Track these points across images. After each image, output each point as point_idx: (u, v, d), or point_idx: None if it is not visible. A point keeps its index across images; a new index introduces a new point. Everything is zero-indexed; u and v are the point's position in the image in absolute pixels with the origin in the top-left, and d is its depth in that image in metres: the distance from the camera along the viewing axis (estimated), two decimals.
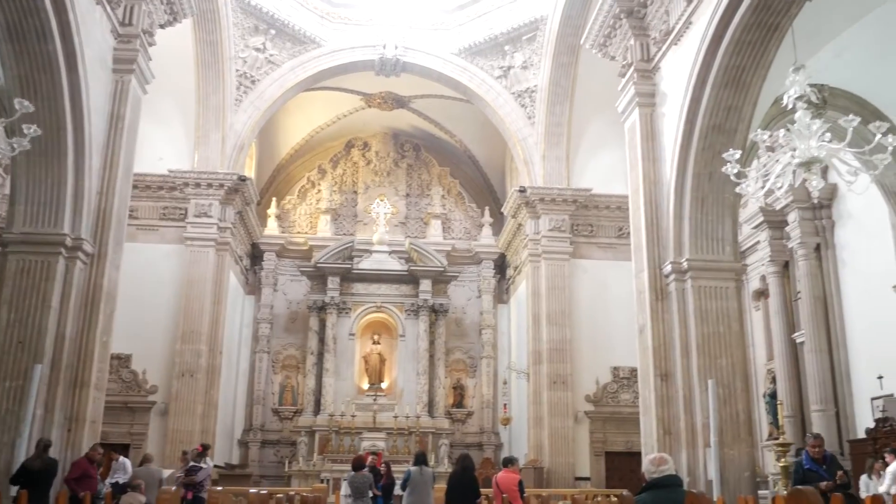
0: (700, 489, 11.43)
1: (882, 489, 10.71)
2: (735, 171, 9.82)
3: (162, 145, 20.56)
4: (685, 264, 12.11)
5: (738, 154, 9.83)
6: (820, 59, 11.81)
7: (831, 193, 15.11)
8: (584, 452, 19.90)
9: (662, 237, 12.69)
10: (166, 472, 14.70)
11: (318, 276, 24.07)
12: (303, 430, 22.74)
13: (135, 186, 16.93)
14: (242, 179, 20.91)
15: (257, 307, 25.00)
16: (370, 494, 11.30)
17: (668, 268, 12.35)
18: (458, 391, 24.95)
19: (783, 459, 11.50)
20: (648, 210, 12.87)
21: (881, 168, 9.41)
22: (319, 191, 26.24)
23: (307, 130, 25.73)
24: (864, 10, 11.38)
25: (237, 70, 20.93)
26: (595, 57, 18.21)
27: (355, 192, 26.49)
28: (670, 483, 4.59)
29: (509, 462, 10.69)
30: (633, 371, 19.48)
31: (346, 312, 24.08)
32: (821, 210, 15.39)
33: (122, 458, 13.21)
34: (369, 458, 13.07)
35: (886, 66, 12.46)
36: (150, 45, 13.64)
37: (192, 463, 12.04)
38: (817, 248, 15.47)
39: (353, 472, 11.25)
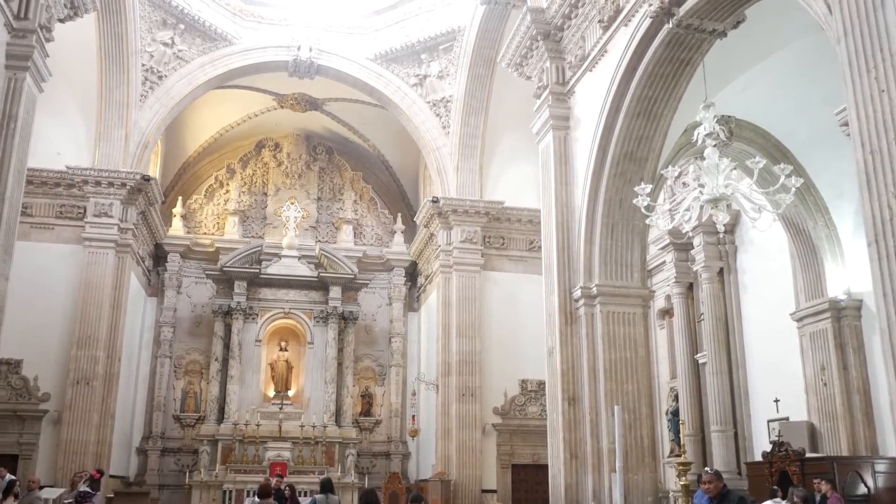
0: None
1: None
2: (646, 203, 9.94)
3: (60, 140, 19.63)
4: (595, 289, 12.23)
5: (649, 188, 9.95)
6: (727, 93, 12.06)
7: (735, 220, 15.51)
8: (492, 465, 19.95)
9: (573, 261, 12.78)
10: (55, 493, 13.98)
11: (225, 280, 23.38)
12: (205, 438, 22.05)
13: (29, 182, 16.10)
14: (146, 179, 20.13)
15: (160, 310, 24.12)
16: None
17: (577, 292, 12.44)
18: (367, 399, 24.67)
19: (684, 478, 11.68)
20: (560, 233, 12.94)
21: (784, 207, 9.68)
22: (228, 191, 25.52)
23: (216, 128, 24.97)
24: (769, 50, 11.67)
25: (143, 65, 20.13)
26: (510, 73, 18.33)
27: (265, 194, 25.87)
28: None
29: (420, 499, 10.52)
30: (542, 384, 19.66)
31: (253, 318, 23.48)
32: (724, 235, 15.78)
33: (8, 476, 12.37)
34: (274, 482, 12.70)
35: (787, 102, 12.83)
36: (48, 40, 12.84)
37: (82, 488, 11.43)
38: (720, 271, 15.87)
39: (257, 501, 10.88)
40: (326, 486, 11.12)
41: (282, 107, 24.34)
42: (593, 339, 12.27)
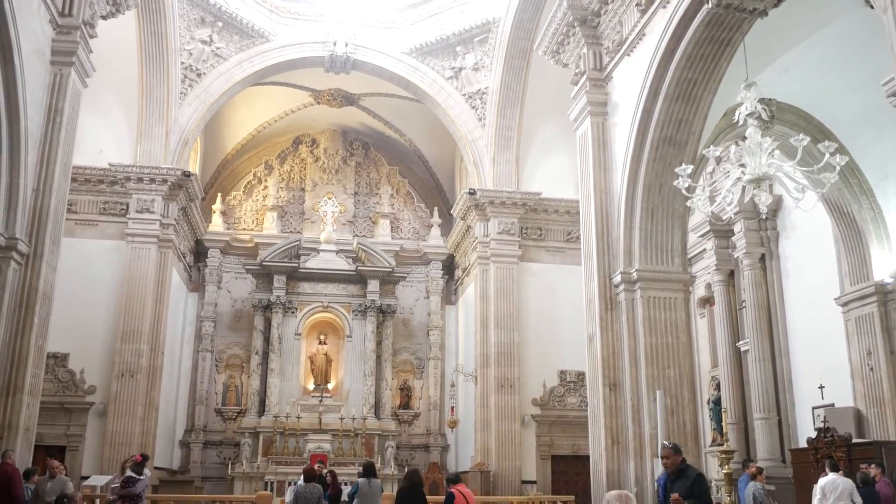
0: (647, 500, 11.54)
1: None
2: (686, 185, 9.86)
3: (103, 137, 19.96)
4: (635, 275, 12.16)
5: (689, 169, 9.87)
6: (768, 74, 11.92)
7: (776, 205, 15.35)
8: (531, 456, 19.92)
9: (612, 247, 12.72)
10: (102, 480, 14.25)
11: (264, 275, 23.65)
12: (246, 431, 22.32)
13: (74, 180, 16.40)
14: (187, 175, 20.41)
15: (201, 305, 24.47)
16: None
17: (617, 278, 12.38)
18: (405, 392, 24.79)
19: (727, 466, 11.57)
20: (599, 219, 12.89)
21: (828, 186, 9.54)
22: (266, 187, 25.78)
23: (254, 125, 25.24)
24: (811, 29, 11.54)
25: (182, 63, 20.41)
26: (546, 62, 18.21)
27: (303, 190, 26.10)
28: None
29: (459, 479, 10.60)
30: (580, 375, 19.67)
31: (292, 312, 23.71)
32: (766, 221, 15.62)
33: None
34: (317, 466, 12.83)
35: (830, 82, 12.67)
36: (91, 36, 13.12)
37: (129, 473, 11.64)
38: (762, 258, 15.70)
39: (302, 483, 11.01)
40: (369, 470, 11.21)
41: (318, 103, 24.52)
42: (634, 325, 12.20)
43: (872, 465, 10.69)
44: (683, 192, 10.02)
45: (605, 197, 12.96)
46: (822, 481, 10.59)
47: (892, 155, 12.73)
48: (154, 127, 20.24)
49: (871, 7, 11.20)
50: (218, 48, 20.95)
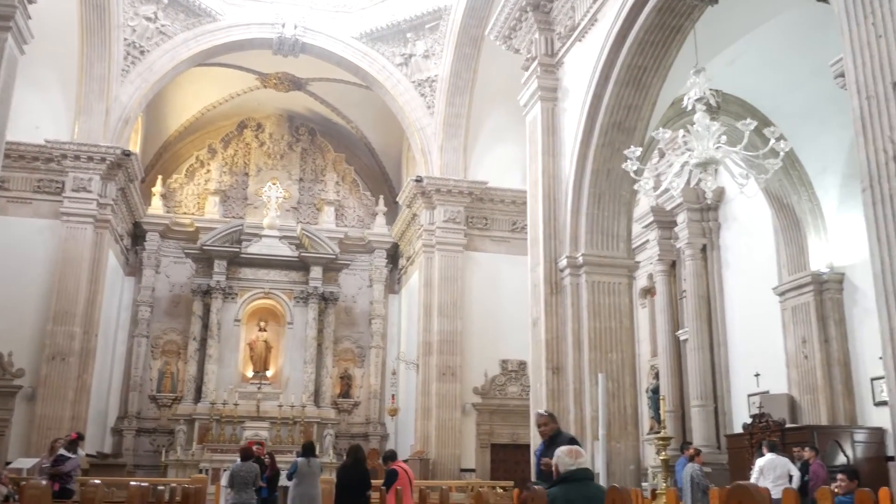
0: None
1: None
2: (635, 168, 9.94)
3: (39, 113, 19.34)
4: (581, 259, 12.22)
5: (638, 151, 9.94)
6: (715, 65, 12.06)
7: (719, 197, 15.63)
8: (471, 444, 19.95)
9: (559, 231, 12.77)
10: (29, 463, 13.77)
11: (204, 259, 23.21)
12: (182, 418, 21.87)
13: (7, 156, 15.89)
14: (126, 154, 19.89)
15: (137, 289, 23.87)
16: (255, 486, 10.85)
17: (563, 262, 12.43)
18: (346, 381, 24.60)
19: (664, 453, 11.74)
20: (547, 204, 12.92)
21: (772, 172, 9.72)
22: (209, 171, 25.30)
23: (198, 107, 24.74)
24: (758, 21, 11.73)
25: (125, 39, 19.89)
26: (496, 51, 18.23)
27: (246, 175, 25.69)
28: (583, 477, 4.49)
29: (396, 455, 10.54)
30: (522, 364, 19.80)
31: (233, 298, 23.31)
32: (708, 212, 15.89)
33: None
34: (255, 448, 12.60)
35: (774, 75, 12.93)
36: (31, 1, 12.67)
37: (60, 452, 11.27)
38: (703, 248, 15.97)
39: (238, 462, 10.80)
40: (308, 450, 11.06)
41: (265, 86, 24.16)
42: (578, 309, 12.26)
43: (807, 448, 10.93)
44: (632, 174, 10.11)
45: (554, 182, 13.00)
46: (760, 461, 10.81)
47: (831, 148, 13.05)
48: (93, 104, 19.68)
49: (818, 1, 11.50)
50: (163, 25, 20.47)
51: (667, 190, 10.60)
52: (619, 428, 11.84)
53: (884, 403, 12.22)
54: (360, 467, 9.80)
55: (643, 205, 16.65)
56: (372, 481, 10.23)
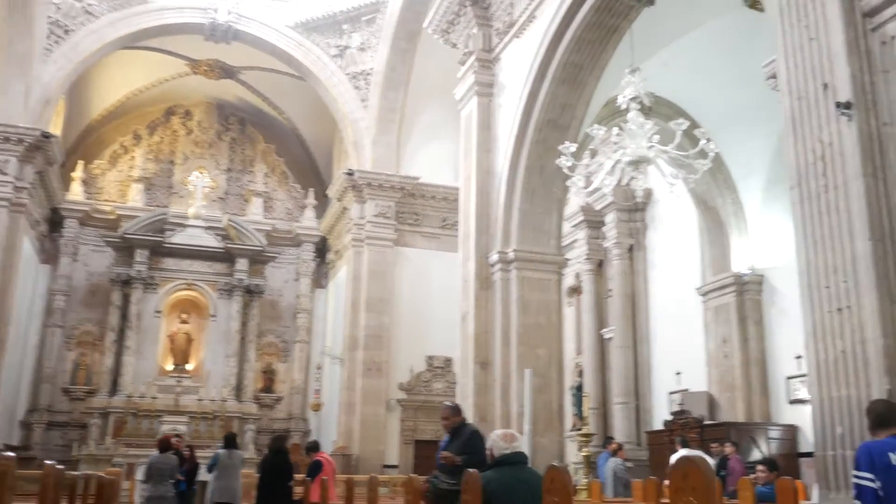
0: None
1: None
2: (569, 163, 10.04)
3: None
4: (511, 254, 12.31)
5: (573, 147, 10.06)
6: (649, 66, 12.30)
7: (647, 198, 15.93)
8: (395, 440, 19.85)
9: (491, 226, 12.85)
10: None
11: (125, 248, 22.49)
12: (96, 411, 21.11)
13: None
14: (46, 136, 19.10)
15: (53, 277, 22.92)
16: (173, 479, 10.51)
17: (494, 257, 12.51)
18: (269, 376, 24.16)
19: (585, 449, 11.90)
20: (479, 199, 12.98)
21: (701, 173, 9.95)
22: (133, 157, 24.51)
23: (124, 91, 23.94)
24: (691, 25, 12.02)
25: (49, 17, 19.11)
26: (433, 47, 18.23)
27: (172, 163, 24.98)
28: (518, 461, 4.47)
29: (318, 446, 10.41)
30: (448, 360, 19.82)
31: (154, 288, 22.66)
32: (636, 213, 16.20)
33: None
34: (173, 440, 12.24)
35: (704, 79, 13.27)
36: None
37: None
38: (630, 248, 16.28)
39: (156, 454, 10.47)
40: (230, 441, 10.83)
41: (195, 73, 23.56)
42: (508, 304, 12.35)
43: (727, 444, 11.22)
44: (566, 170, 10.22)
45: (487, 177, 13.07)
46: (675, 457, 11.02)
47: (756, 153, 13.45)
48: (12, 83, 18.84)
49: (750, 7, 11.82)
50: (89, 4, 19.76)
51: (597, 189, 10.75)
52: (544, 423, 11.95)
53: (797, 401, 12.67)
54: (282, 457, 9.62)
55: (573, 204, 16.87)
56: (295, 475, 10.06)
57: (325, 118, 22.70)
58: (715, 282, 14.11)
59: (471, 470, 4.42)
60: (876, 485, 3.70)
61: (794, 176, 6.48)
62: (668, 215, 15.61)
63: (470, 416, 12.28)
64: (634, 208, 16.02)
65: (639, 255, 16.12)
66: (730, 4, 11.78)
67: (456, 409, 7.25)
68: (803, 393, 12.50)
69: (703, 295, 14.39)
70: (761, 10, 12.17)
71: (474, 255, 12.81)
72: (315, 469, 9.55)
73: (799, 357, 12.40)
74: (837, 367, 5.67)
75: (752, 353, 13.39)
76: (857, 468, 3.83)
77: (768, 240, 13.56)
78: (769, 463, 7.02)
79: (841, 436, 5.50)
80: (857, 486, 3.81)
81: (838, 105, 6.02)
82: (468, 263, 12.99)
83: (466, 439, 6.86)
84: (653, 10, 10.99)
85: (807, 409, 12.38)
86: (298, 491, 9.59)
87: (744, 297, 13.66)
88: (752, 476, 7.40)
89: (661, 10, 10.96)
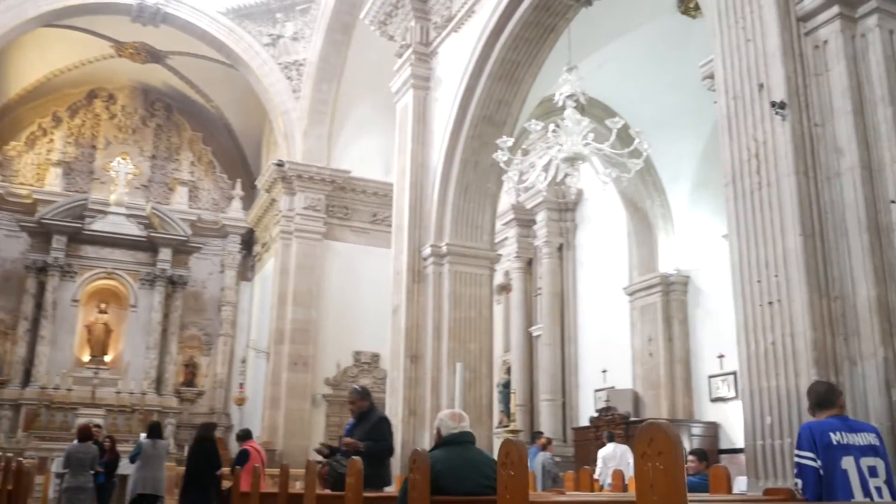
0: None
1: (596, 475, 11.37)
2: (505, 157, 10.09)
3: None
4: (444, 248, 12.30)
5: (511, 141, 10.11)
6: (583, 67, 12.48)
7: (577, 197, 16.14)
8: (320, 435, 19.59)
9: (424, 220, 12.80)
10: None
11: (42, 234, 21.67)
12: (6, 403, 20.34)
13: None
14: None
15: None
16: (93, 470, 10.14)
17: (427, 251, 12.47)
18: (190, 369, 23.59)
19: None
20: (413, 192, 12.92)
21: (634, 171, 10.13)
22: (52, 140, 23.60)
23: (44, 71, 23.02)
24: (625, 29, 12.23)
25: None
26: (367, 41, 18.10)
27: (94, 147, 24.16)
28: (465, 440, 4.45)
29: (250, 435, 10.24)
30: (376, 356, 19.74)
31: (71, 276, 21.89)
32: (566, 212, 16.39)
33: None
34: (94, 431, 11.82)
35: (636, 83, 13.51)
36: None
37: None
38: (560, 247, 16.47)
39: (75, 443, 10.09)
40: (154, 431, 10.51)
41: (120, 55, 22.83)
42: (440, 298, 12.32)
43: None
44: (502, 164, 10.27)
45: (421, 171, 13.01)
46: (602, 451, 11.23)
47: (684, 157, 13.78)
48: None
49: (682, 14, 12.09)
50: None
51: (531, 186, 10.86)
52: (474, 417, 11.87)
53: (719, 400, 13.03)
54: (209, 446, 9.39)
55: (503, 202, 16.93)
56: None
57: (255, 108, 22.31)
58: (642, 282, 14.39)
59: (419, 449, 4.38)
60: (817, 464, 3.82)
61: (729, 173, 6.63)
62: (598, 216, 15.86)
63: (400, 409, 12.28)
64: (565, 208, 16.23)
65: (568, 254, 16.33)
66: (663, 9, 12.04)
67: (364, 393, 7.10)
68: (725, 391, 12.88)
69: (630, 294, 14.67)
70: (693, 16, 12.52)
71: (407, 248, 12.74)
72: (242, 458, 9.37)
73: (721, 356, 12.78)
74: (767, 358, 5.83)
75: (677, 352, 13.71)
76: (800, 448, 3.95)
77: (694, 242, 13.91)
78: (699, 453, 7.18)
79: (770, 425, 5.66)
80: (799, 465, 3.92)
81: (773, 104, 6.19)
82: (401, 256, 12.92)
83: (374, 425, 6.77)
84: (589, 12, 11.12)
85: (728, 407, 12.78)
86: (227, 483, 9.38)
87: (669, 298, 13.98)
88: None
89: (597, 12, 11.10)
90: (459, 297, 12.29)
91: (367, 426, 6.77)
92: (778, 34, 6.40)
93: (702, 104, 12.81)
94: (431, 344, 12.20)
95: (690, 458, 6.89)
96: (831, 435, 3.84)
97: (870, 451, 3.82)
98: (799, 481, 3.90)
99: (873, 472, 3.75)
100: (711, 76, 7.63)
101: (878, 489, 3.73)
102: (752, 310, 6.04)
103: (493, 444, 16.88)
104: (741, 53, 6.69)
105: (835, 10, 6.30)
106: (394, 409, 12.47)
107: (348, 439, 6.71)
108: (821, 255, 5.82)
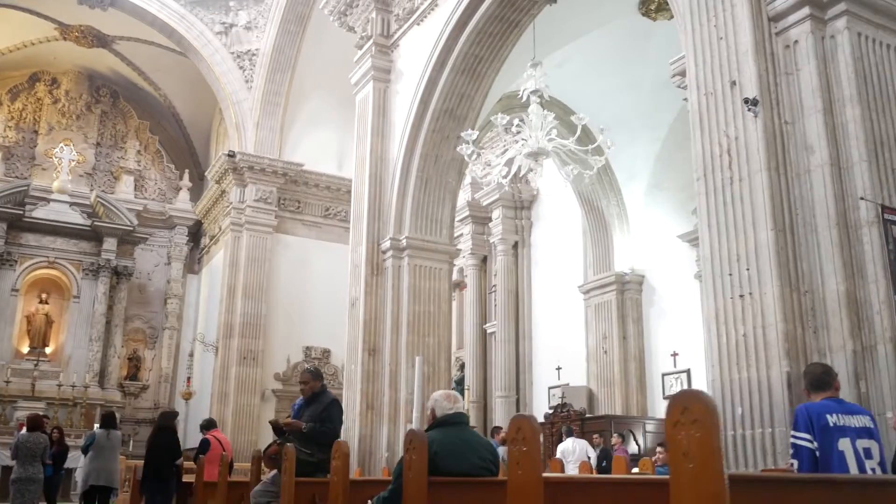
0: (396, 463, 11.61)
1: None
2: (469, 151, 10.09)
3: None
4: (404, 242, 12.26)
5: (475, 134, 10.10)
6: (545, 65, 12.55)
7: (534, 196, 16.23)
8: (269, 431, 19.30)
9: (383, 213, 12.74)
10: None
11: None
12: None
13: None
14: None
15: None
16: (43, 461, 9.78)
17: (386, 244, 12.41)
18: (135, 363, 23.05)
19: None
20: (372, 185, 12.84)
21: (596, 168, 10.22)
22: None
23: None
24: (586, 29, 12.35)
25: None
26: (322, 33, 17.95)
27: (36, 132, 23.42)
28: (459, 421, 4.42)
29: (213, 424, 10.06)
30: (326, 352, 19.58)
31: (11, 265, 21.14)
32: (522, 210, 16.46)
33: None
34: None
35: (595, 84, 13.65)
36: None
37: None
38: (515, 245, 16.53)
39: (25, 433, 9.74)
40: (108, 421, 10.21)
41: (65, 38, 22.15)
42: (399, 292, 12.28)
43: (615, 436, 11.59)
44: (465, 157, 10.27)
45: (381, 163, 12.94)
46: (561, 446, 11.30)
47: (639, 158, 13.96)
48: None
49: (643, 16, 12.24)
50: None
51: (494, 181, 10.86)
52: (319, 370, 11.92)
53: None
54: (168, 435, 9.17)
55: (459, 199, 16.95)
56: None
57: (204, 98, 21.91)
58: (597, 280, 14.54)
59: (415, 429, 4.35)
60: (813, 445, 3.89)
61: (700, 168, 6.73)
62: (554, 214, 15.97)
63: (357, 403, 12.18)
64: (521, 206, 16.29)
65: (523, 251, 16.40)
66: (625, 10, 12.17)
67: (317, 374, 6.96)
68: (677, 389, 13.07)
69: (585, 293, 14.80)
70: (654, 18, 12.70)
71: (366, 240, 12.66)
72: (202, 448, 9.18)
73: (675, 354, 12.98)
74: (738, 350, 5.93)
75: (631, 349, 13.89)
76: (796, 428, 4.01)
77: (649, 241, 14.10)
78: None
79: (741, 416, 5.75)
80: (795, 446, 3.98)
81: (746, 101, 6.29)
82: (359, 249, 12.83)
83: (325, 406, 6.61)
84: (551, 11, 11.20)
85: None
86: (189, 477, 9.19)
87: (624, 296, 14.15)
88: (653, 457, 7.66)
89: (560, 11, 11.19)
90: (419, 290, 12.27)
91: (319, 407, 6.60)
92: (750, 33, 6.52)
93: (659, 106, 13.06)
94: (390, 337, 12.14)
95: (660, 449, 6.99)
96: (828, 417, 3.92)
97: (865, 433, 3.92)
98: (795, 462, 3.96)
99: (868, 454, 3.84)
100: (682, 73, 7.73)
101: (873, 470, 3.83)
102: (724, 302, 6.14)
103: None
104: (713, 51, 6.79)
105: (805, 11, 6.45)
106: (351, 403, 12.37)
107: (288, 420, 6.58)
108: (791, 250, 5.95)
